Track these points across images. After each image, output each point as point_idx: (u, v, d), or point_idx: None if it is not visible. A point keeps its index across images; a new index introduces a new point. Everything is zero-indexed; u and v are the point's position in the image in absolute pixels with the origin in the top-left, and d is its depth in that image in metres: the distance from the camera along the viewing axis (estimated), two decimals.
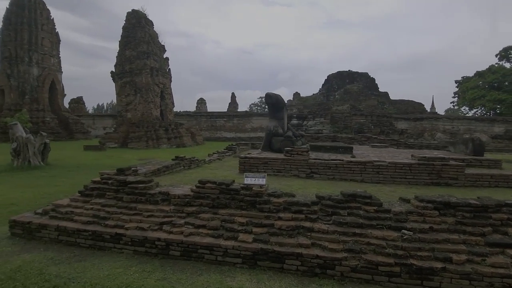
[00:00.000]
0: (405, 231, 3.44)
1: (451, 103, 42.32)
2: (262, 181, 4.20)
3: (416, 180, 6.35)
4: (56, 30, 28.93)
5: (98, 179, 4.85)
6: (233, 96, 54.57)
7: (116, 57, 22.40)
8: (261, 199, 3.98)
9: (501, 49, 35.85)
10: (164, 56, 24.91)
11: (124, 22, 22.96)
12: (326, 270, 3.23)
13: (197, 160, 8.39)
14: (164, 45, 24.81)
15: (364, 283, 3.14)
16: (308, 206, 3.87)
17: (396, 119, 24.31)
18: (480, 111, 35.12)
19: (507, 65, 35.31)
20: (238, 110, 49.67)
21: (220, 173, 7.13)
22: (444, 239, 3.32)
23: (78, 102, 37.93)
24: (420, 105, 37.38)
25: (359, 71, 45.01)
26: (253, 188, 4.13)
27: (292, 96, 48.68)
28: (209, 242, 3.50)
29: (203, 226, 3.76)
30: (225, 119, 32.54)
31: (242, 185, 4.22)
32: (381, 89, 41.95)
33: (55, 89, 28.66)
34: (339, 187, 5.74)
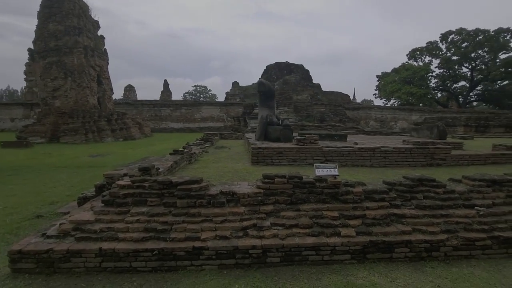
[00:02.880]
0: (478, 208, 3.77)
1: (373, 95, 49.09)
2: (334, 171, 3.96)
3: (415, 162, 7.09)
4: None
5: (124, 182, 3.76)
6: (165, 84, 50.78)
7: (35, 31, 17.88)
8: (341, 190, 3.76)
9: (409, 50, 43.04)
10: (99, 34, 21.14)
11: None
12: (431, 252, 3.28)
13: (193, 153, 7.46)
14: (98, 21, 21.00)
15: (463, 259, 3.33)
16: (387, 193, 3.85)
17: None
18: (396, 102, 41.81)
19: (415, 63, 42.73)
20: (172, 98, 46.55)
21: (231, 166, 6.51)
22: (510, 211, 3.77)
23: None
24: (347, 96, 42.05)
25: (296, 63, 47.53)
26: (328, 180, 3.86)
27: (228, 85, 48.14)
28: (314, 242, 3.13)
29: (296, 226, 3.33)
30: (171, 109, 30.05)
31: (314, 178, 3.90)
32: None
33: None
34: (361, 173, 5.97)
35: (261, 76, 48.07)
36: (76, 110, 18.10)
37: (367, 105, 30.85)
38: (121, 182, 3.77)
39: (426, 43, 41.39)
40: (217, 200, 3.55)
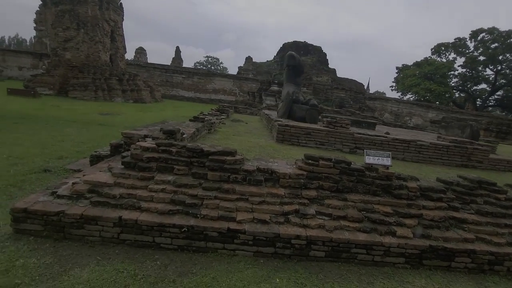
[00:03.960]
0: None
1: (390, 87, 47.32)
2: (387, 161, 3.45)
3: (450, 161, 6.56)
4: None
5: (148, 144, 3.27)
6: (177, 51, 49.02)
7: None
8: (395, 183, 3.27)
9: (430, 46, 40.76)
10: None
11: None
12: (493, 266, 2.85)
13: (213, 123, 6.93)
14: None
15: None
16: (444, 192, 3.36)
17: None
18: (413, 97, 40.35)
19: (438, 59, 40.70)
20: (184, 66, 45.31)
21: (255, 141, 6.02)
22: None
23: None
24: (362, 85, 40.50)
25: (313, 44, 45.36)
26: (379, 170, 3.36)
27: (240, 60, 46.66)
28: (367, 239, 2.68)
29: (344, 218, 2.87)
30: (183, 76, 29.10)
31: (363, 165, 3.40)
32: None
33: None
34: (394, 166, 5.46)
35: (277, 54, 46.18)
36: (87, 65, 17.35)
37: (384, 97, 29.72)
38: (144, 144, 3.28)
39: (454, 39, 39.11)
40: (254, 178, 3.07)
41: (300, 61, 8.28)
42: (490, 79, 38.03)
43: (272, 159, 3.69)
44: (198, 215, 2.64)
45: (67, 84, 16.60)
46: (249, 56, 44.81)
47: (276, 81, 17.60)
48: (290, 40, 43.13)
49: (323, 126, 6.51)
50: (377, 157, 3.45)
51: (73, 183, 2.88)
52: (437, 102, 37.27)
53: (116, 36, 19.89)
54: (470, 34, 36.54)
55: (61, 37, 16.78)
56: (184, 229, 2.53)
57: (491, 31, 33.75)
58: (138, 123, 10.04)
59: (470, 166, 6.58)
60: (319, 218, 2.83)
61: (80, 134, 7.06)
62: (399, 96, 41.81)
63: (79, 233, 2.52)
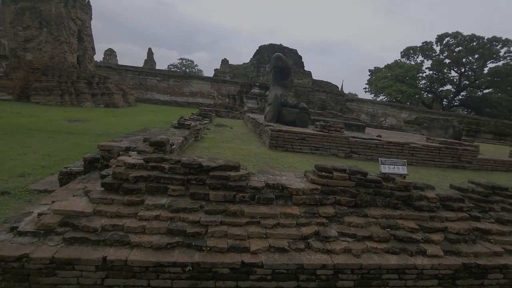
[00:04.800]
0: None
1: (363, 89, 48.99)
2: (403, 169, 3.18)
3: (441, 163, 6.56)
4: None
5: (133, 159, 2.72)
6: (150, 53, 47.40)
7: None
8: (415, 194, 3.00)
9: (397, 48, 42.87)
10: None
11: None
12: None
13: (198, 129, 6.38)
14: None
15: None
16: (463, 201, 3.16)
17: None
18: (385, 98, 42.08)
19: (407, 62, 42.89)
20: (158, 68, 43.86)
21: (247, 148, 5.58)
22: None
23: None
24: (336, 87, 41.63)
25: (289, 47, 45.89)
26: (396, 180, 3.08)
27: (215, 62, 46.22)
28: (399, 262, 2.36)
29: (369, 238, 2.53)
30: (158, 79, 27.84)
31: (379, 176, 3.10)
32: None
33: None
34: None
35: (253, 57, 46.08)
36: (51, 67, 15.86)
37: (360, 98, 30.60)
38: (129, 160, 2.73)
39: (422, 43, 41.40)
40: (264, 196, 2.65)
41: (288, 63, 8.00)
42: (455, 80, 40.68)
43: (278, 172, 3.29)
44: (203, 248, 2.16)
45: (28, 88, 15.04)
46: (225, 58, 44.28)
47: (257, 84, 17.31)
48: (266, 43, 43.15)
49: (317, 131, 6.24)
50: (392, 166, 3.18)
51: (40, 215, 2.27)
52: (408, 103, 39.19)
53: (83, 36, 18.49)
54: (436, 38, 38.87)
55: (21, 36, 15.20)
56: (188, 267, 2.03)
57: (455, 35, 36.12)
58: (112, 129, 9.19)
59: (460, 167, 6.65)
60: (342, 241, 2.46)
61: (45, 145, 6.19)
62: (372, 97, 43.47)
63: (50, 281, 1.95)
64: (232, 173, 2.70)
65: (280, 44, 46.10)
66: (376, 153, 6.21)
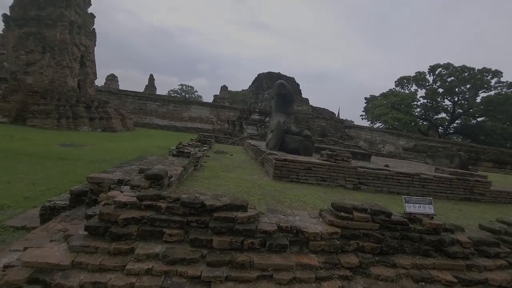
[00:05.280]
0: None
1: (360, 116, 49.84)
2: (429, 208, 2.84)
3: (453, 195, 6.22)
4: None
5: (124, 197, 2.36)
6: (151, 78, 48.45)
7: None
8: (446, 238, 2.63)
9: (389, 77, 44.32)
10: (89, 11, 19.12)
11: None
12: None
13: (198, 157, 6.06)
14: None
15: None
16: (499, 246, 2.78)
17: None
18: (382, 125, 42.62)
19: (402, 91, 44.08)
20: (158, 94, 44.62)
21: (250, 179, 5.23)
22: None
23: None
24: (333, 114, 42.24)
25: (287, 75, 47.20)
26: (424, 221, 2.72)
27: (215, 89, 47.20)
28: None
29: None
30: (158, 104, 28.00)
31: (405, 216, 2.75)
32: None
33: None
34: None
35: (252, 84, 47.22)
36: (51, 91, 15.81)
37: (358, 125, 30.84)
38: (120, 197, 2.36)
39: (415, 73, 42.92)
40: (276, 242, 2.26)
41: (290, 91, 7.92)
42: (449, 109, 41.57)
43: (290, 210, 2.92)
44: None
45: (26, 111, 14.85)
46: (224, 85, 45.23)
47: (257, 110, 17.33)
48: (264, 70, 44.43)
49: (324, 160, 5.94)
50: (418, 204, 2.83)
51: (6, 267, 1.86)
52: (404, 130, 39.63)
53: (86, 61, 18.75)
54: (428, 69, 40.28)
55: (22, 60, 15.32)
56: None
57: (447, 66, 37.50)
58: (108, 155, 8.82)
59: (473, 200, 6.30)
60: None
61: (33, 172, 5.78)
62: (369, 124, 44.02)
63: None
64: (240, 214, 2.33)
65: (278, 72, 47.42)
66: (386, 184, 5.88)
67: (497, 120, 36.59)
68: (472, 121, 42.01)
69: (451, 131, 45.90)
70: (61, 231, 2.36)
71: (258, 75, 48.16)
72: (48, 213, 3.20)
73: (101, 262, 1.91)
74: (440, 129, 45.32)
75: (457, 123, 44.20)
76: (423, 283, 2.27)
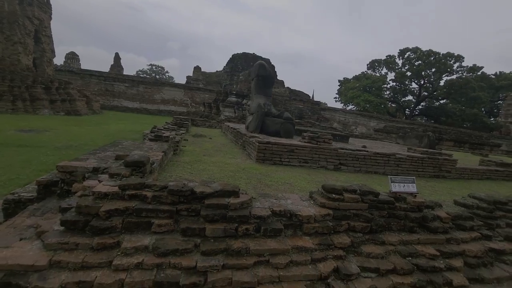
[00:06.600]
0: None
1: (334, 98, 51.00)
2: (412, 187, 2.95)
3: (424, 173, 6.63)
4: None
5: (105, 187, 2.15)
6: (117, 57, 45.04)
7: None
8: (429, 215, 2.77)
9: (360, 61, 45.58)
10: None
11: None
12: None
13: (177, 141, 5.78)
14: None
15: None
16: (472, 219, 3.00)
17: None
18: (354, 107, 44.11)
19: (373, 74, 45.55)
20: (126, 74, 41.85)
21: (233, 163, 5.12)
22: None
23: None
24: (308, 96, 42.85)
25: (262, 56, 46.44)
26: (408, 199, 2.83)
27: (186, 69, 45.40)
28: None
29: (392, 271, 2.21)
30: (126, 85, 26.26)
31: (390, 195, 2.83)
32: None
33: None
34: (384, 182, 5.19)
35: (226, 65, 45.80)
36: (2, 70, 14.06)
37: (332, 108, 31.58)
38: (99, 187, 2.14)
39: (386, 56, 44.34)
40: (271, 226, 2.22)
41: (271, 72, 7.73)
42: (415, 91, 43.88)
43: (281, 194, 2.87)
44: None
45: None
46: (197, 65, 43.47)
47: (234, 92, 16.93)
48: (236, 51, 43.13)
49: (305, 142, 5.97)
50: (403, 184, 2.93)
51: None
52: (375, 112, 41.41)
53: (41, 37, 16.82)
54: (398, 52, 41.75)
55: None
56: None
57: (415, 50, 39.08)
58: (75, 141, 8.16)
59: (441, 176, 6.78)
60: (365, 277, 2.11)
61: None
62: (342, 106, 45.35)
63: None
64: (232, 200, 2.24)
65: (253, 53, 46.30)
66: (364, 164, 6.09)
67: (458, 103, 39.40)
68: (436, 103, 44.87)
69: (416, 113, 48.82)
70: (32, 227, 2.11)
71: (233, 55, 46.73)
72: (13, 207, 2.88)
73: (83, 259, 1.73)
74: (407, 111, 47.98)
75: (422, 105, 46.98)
76: (410, 258, 2.38)
